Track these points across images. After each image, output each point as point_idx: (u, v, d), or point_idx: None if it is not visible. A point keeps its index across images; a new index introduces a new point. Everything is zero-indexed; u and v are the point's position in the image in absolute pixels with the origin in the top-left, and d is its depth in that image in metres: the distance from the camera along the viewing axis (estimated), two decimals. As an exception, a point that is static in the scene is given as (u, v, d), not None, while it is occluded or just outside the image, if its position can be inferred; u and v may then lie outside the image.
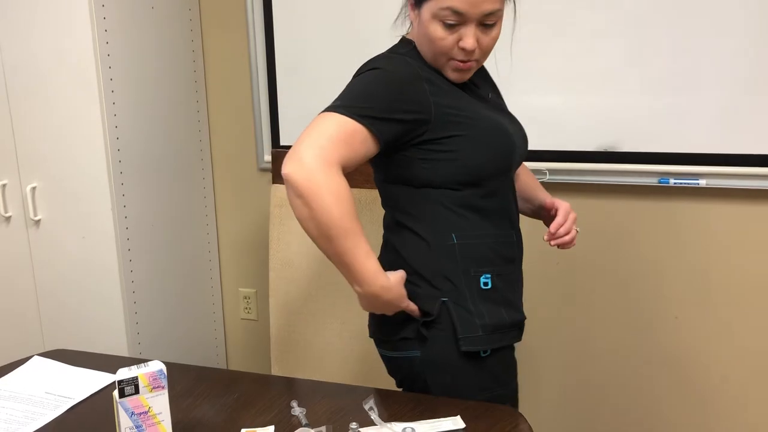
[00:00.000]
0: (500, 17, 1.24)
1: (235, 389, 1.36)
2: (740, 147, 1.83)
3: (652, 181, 1.93)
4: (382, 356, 1.39)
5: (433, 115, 1.23)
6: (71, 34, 1.91)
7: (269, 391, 1.35)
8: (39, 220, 2.09)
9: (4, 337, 2.22)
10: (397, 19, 1.39)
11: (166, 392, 1.13)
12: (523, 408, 2.16)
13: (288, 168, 1.15)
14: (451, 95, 1.27)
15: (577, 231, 1.39)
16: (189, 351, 2.38)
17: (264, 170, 2.37)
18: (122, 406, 1.10)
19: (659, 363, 2.06)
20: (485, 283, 1.29)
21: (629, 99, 1.89)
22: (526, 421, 1.21)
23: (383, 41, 1.42)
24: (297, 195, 1.15)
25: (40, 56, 1.96)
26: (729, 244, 1.93)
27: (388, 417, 1.22)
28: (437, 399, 1.28)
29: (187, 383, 1.39)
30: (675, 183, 1.90)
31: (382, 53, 1.33)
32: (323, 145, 1.15)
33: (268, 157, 2.31)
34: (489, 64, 1.76)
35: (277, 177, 2.02)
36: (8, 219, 2.12)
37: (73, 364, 1.49)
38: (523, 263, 1.41)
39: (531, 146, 1.81)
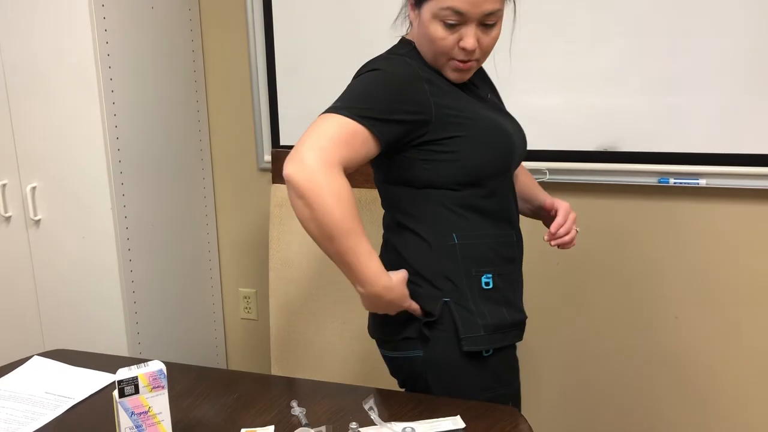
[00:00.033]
0: (500, 17, 1.24)
1: (235, 389, 1.36)
2: (740, 147, 1.83)
3: (652, 180, 1.93)
4: (384, 356, 1.40)
5: (434, 115, 1.23)
6: (71, 34, 1.91)
7: (269, 391, 1.35)
8: (39, 220, 2.09)
9: (4, 337, 2.22)
10: (396, 19, 1.39)
11: (166, 392, 1.13)
12: (523, 407, 2.17)
13: (289, 169, 1.15)
14: (451, 95, 1.27)
15: (577, 231, 1.40)
16: (189, 351, 2.38)
17: (264, 170, 2.37)
18: (122, 406, 1.10)
19: (659, 363, 2.06)
20: (486, 283, 1.29)
21: (629, 99, 1.89)
22: (526, 421, 1.21)
23: (383, 41, 1.42)
24: (299, 196, 1.15)
25: (40, 56, 1.96)
26: (729, 244, 1.93)
27: (388, 417, 1.22)
28: (437, 399, 1.28)
29: (187, 383, 1.39)
30: (675, 183, 1.91)
31: (382, 54, 1.33)
32: (324, 146, 1.16)
33: (268, 157, 2.31)
34: (489, 65, 1.76)
35: (277, 177, 2.02)
36: (8, 219, 2.12)
37: (73, 364, 1.49)
38: (524, 263, 1.41)
39: (531, 146, 1.82)
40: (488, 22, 1.22)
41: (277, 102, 2.26)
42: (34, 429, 1.24)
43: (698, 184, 1.88)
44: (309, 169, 1.14)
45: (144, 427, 1.12)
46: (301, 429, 1.18)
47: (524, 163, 1.97)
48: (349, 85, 1.26)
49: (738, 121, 1.81)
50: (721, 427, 2.04)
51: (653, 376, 2.08)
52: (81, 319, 2.12)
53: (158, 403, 1.13)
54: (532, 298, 2.07)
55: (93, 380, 1.42)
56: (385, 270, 1.23)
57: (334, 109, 1.20)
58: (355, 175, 1.88)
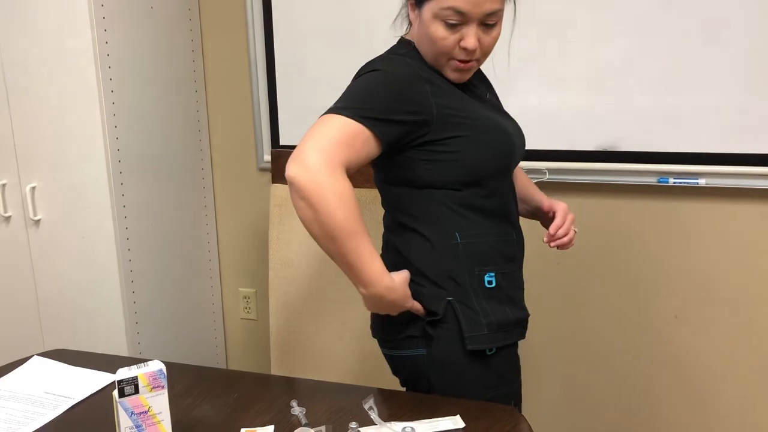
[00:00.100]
0: (501, 17, 1.25)
1: (234, 389, 1.36)
2: (740, 146, 1.83)
3: (652, 180, 1.93)
4: (386, 356, 1.40)
5: (435, 115, 1.23)
6: (71, 34, 1.91)
7: (269, 391, 1.35)
8: (39, 220, 2.09)
9: (4, 337, 2.22)
10: (396, 19, 1.39)
11: (165, 392, 1.13)
12: (523, 406, 2.16)
13: (292, 170, 1.15)
14: (452, 95, 1.27)
15: (576, 231, 1.41)
16: (189, 351, 2.38)
17: (264, 170, 2.37)
18: (122, 405, 1.10)
19: (658, 362, 2.06)
20: (489, 282, 1.29)
21: (629, 99, 1.89)
22: (526, 420, 1.21)
23: (383, 41, 1.42)
24: (301, 197, 1.15)
25: (40, 56, 1.96)
26: (729, 244, 1.93)
27: (388, 416, 1.22)
28: (437, 398, 1.28)
29: (187, 383, 1.39)
30: (675, 182, 1.91)
31: (382, 54, 1.33)
32: (326, 147, 1.16)
33: (267, 157, 2.31)
34: (487, 65, 1.76)
35: (277, 176, 2.02)
36: (8, 219, 2.12)
37: (73, 364, 1.49)
38: (524, 263, 1.41)
39: (531, 146, 1.82)
40: (489, 22, 1.22)
41: (277, 102, 2.26)
42: (34, 429, 1.24)
43: (698, 183, 1.88)
44: (312, 171, 1.14)
45: (144, 427, 1.12)
46: (300, 429, 1.18)
47: (525, 163, 1.98)
48: (349, 86, 1.26)
49: (738, 121, 1.81)
50: (721, 427, 2.04)
51: (653, 375, 2.08)
52: (81, 319, 2.12)
53: (158, 403, 1.13)
54: (532, 298, 2.06)
55: (93, 380, 1.42)
56: (387, 271, 1.23)
57: (335, 109, 1.20)
58: (355, 175, 1.86)
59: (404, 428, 1.15)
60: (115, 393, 1.10)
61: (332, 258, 1.20)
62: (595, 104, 1.92)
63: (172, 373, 1.42)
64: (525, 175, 1.57)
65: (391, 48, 1.35)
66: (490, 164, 1.28)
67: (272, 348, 2.08)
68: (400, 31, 1.38)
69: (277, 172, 2.02)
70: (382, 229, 1.40)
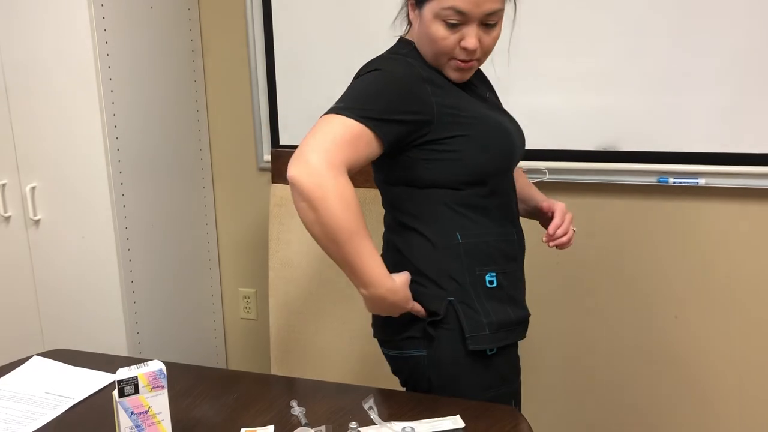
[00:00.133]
0: (501, 17, 1.25)
1: (234, 389, 1.36)
2: (740, 146, 1.83)
3: (652, 180, 1.93)
4: (387, 356, 1.40)
5: (436, 115, 1.23)
6: (71, 34, 1.91)
7: (269, 391, 1.35)
8: (39, 220, 2.09)
9: (4, 337, 2.22)
10: (395, 19, 1.39)
11: (165, 392, 1.13)
12: (522, 406, 2.16)
13: (293, 171, 1.15)
14: (452, 95, 1.27)
15: (574, 231, 1.41)
16: (189, 351, 2.38)
17: (263, 170, 2.37)
18: (122, 405, 1.10)
19: (658, 362, 2.06)
20: (490, 282, 1.29)
21: (629, 99, 1.89)
22: (526, 420, 1.21)
23: (383, 41, 1.42)
24: (303, 198, 1.15)
25: (40, 56, 1.96)
26: (729, 244, 1.93)
27: (388, 416, 1.22)
28: (437, 398, 1.28)
29: (187, 383, 1.39)
30: (674, 182, 1.91)
31: (382, 54, 1.33)
32: (328, 147, 1.15)
33: (267, 157, 2.31)
34: (487, 64, 1.76)
35: (277, 176, 2.02)
36: (8, 219, 2.12)
37: (72, 364, 1.49)
38: (524, 262, 1.42)
39: (530, 146, 1.81)
40: (489, 22, 1.22)
41: (277, 102, 2.25)
42: (34, 429, 1.24)
43: (698, 183, 1.88)
44: (313, 172, 1.14)
45: (144, 426, 1.12)
46: (300, 429, 1.18)
47: (525, 163, 1.98)
48: (350, 86, 1.26)
49: (737, 121, 1.81)
50: (721, 426, 2.04)
51: (652, 375, 2.08)
52: (81, 319, 2.12)
53: (158, 403, 1.13)
54: (531, 298, 2.06)
55: (93, 380, 1.42)
56: (388, 272, 1.23)
57: (336, 109, 1.20)
58: (355, 175, 1.85)
59: (404, 428, 1.14)
60: (115, 393, 1.10)
61: (333, 259, 1.20)
62: (595, 104, 1.92)
63: (172, 373, 1.42)
64: (523, 175, 1.57)
65: (392, 48, 1.35)
66: (491, 163, 1.28)
67: (272, 348, 2.08)
68: (400, 30, 1.38)
69: (277, 172, 2.02)
70: (383, 229, 1.41)
